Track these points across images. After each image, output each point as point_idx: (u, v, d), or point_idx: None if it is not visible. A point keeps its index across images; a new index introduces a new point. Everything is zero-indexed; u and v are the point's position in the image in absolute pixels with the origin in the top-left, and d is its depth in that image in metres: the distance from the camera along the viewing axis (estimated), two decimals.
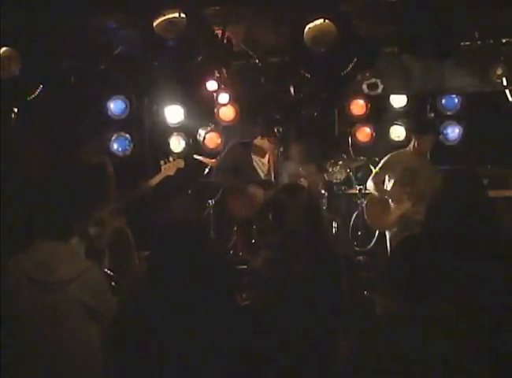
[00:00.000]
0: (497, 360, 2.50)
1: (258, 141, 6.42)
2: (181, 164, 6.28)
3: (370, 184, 6.75)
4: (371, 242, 7.32)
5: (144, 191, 6.16)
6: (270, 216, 3.46)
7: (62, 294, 2.91)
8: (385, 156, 7.05)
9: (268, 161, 6.47)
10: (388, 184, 6.73)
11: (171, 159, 6.26)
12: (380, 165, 6.76)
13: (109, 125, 6.69)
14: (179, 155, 7.49)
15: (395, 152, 6.80)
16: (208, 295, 2.52)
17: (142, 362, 2.45)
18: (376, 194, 6.72)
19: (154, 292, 2.57)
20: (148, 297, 2.58)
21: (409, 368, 2.35)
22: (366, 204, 6.84)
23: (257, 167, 6.42)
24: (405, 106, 7.56)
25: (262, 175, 6.44)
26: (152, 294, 2.58)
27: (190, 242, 2.63)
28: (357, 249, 7.32)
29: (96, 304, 2.97)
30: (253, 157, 6.45)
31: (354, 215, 7.28)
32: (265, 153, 6.44)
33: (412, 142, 6.65)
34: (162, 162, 6.22)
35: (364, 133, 7.66)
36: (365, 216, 6.86)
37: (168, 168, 6.20)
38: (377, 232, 7.01)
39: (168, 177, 6.25)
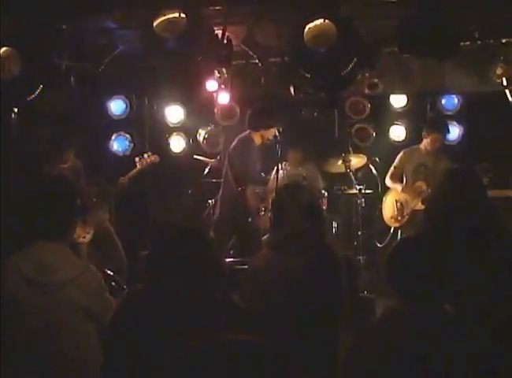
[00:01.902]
0: (498, 359, 2.50)
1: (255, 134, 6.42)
2: (156, 159, 6.59)
3: (388, 181, 6.89)
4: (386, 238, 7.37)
5: (121, 187, 6.40)
6: (272, 215, 3.46)
7: (60, 295, 2.91)
8: (386, 156, 7.08)
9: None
10: (405, 181, 6.84)
11: (145, 155, 6.53)
12: (395, 163, 6.87)
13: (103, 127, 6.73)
14: (178, 155, 7.53)
15: (408, 148, 6.86)
16: (206, 294, 2.52)
17: (139, 362, 2.44)
18: (391, 191, 6.85)
19: (153, 291, 2.56)
20: (147, 296, 2.57)
21: (409, 368, 2.35)
22: (383, 201, 6.95)
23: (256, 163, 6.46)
24: (405, 106, 7.57)
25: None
26: (151, 293, 2.57)
27: (189, 242, 2.62)
28: (378, 245, 7.39)
29: (94, 305, 2.97)
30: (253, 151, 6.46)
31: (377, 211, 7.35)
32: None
33: (424, 140, 6.70)
34: (137, 159, 6.51)
35: (364, 133, 7.68)
36: (382, 213, 6.96)
37: (143, 164, 6.51)
38: (392, 229, 7.07)
39: (142, 172, 6.52)
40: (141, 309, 2.55)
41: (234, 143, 6.48)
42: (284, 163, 6.87)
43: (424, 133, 6.73)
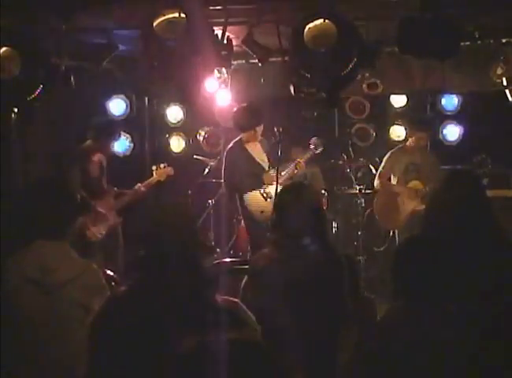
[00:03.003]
0: (499, 359, 2.50)
1: (246, 135, 6.36)
2: (171, 172, 6.61)
3: (377, 183, 6.82)
4: (383, 241, 7.33)
5: (136, 194, 6.41)
6: (273, 216, 3.46)
7: (61, 295, 2.90)
8: (385, 155, 7.06)
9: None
10: (393, 181, 6.78)
11: (162, 166, 6.56)
12: (383, 163, 6.82)
13: (111, 127, 6.74)
14: (178, 155, 7.52)
15: (395, 148, 6.86)
16: (191, 297, 2.48)
17: (124, 366, 2.40)
18: (384, 192, 6.77)
19: (137, 293, 2.52)
20: (131, 299, 2.53)
21: (413, 368, 2.35)
22: (375, 203, 6.87)
23: (259, 161, 6.38)
24: (405, 106, 7.57)
25: (266, 167, 6.35)
26: (135, 295, 2.52)
27: (173, 243, 2.59)
28: (375, 249, 7.35)
29: (96, 304, 2.96)
30: (251, 153, 6.40)
31: (366, 214, 7.31)
32: (258, 146, 6.40)
33: (410, 139, 6.73)
34: (154, 167, 6.55)
35: (364, 133, 7.68)
36: (376, 216, 6.88)
37: (159, 174, 6.51)
38: (391, 232, 7.02)
39: (158, 182, 6.50)
40: (125, 312, 2.50)
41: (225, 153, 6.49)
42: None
43: (409, 132, 6.76)
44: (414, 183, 6.62)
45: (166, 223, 2.66)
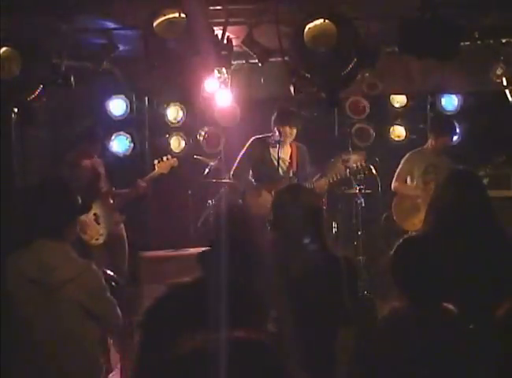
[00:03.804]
0: (501, 360, 2.50)
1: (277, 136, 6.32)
2: (175, 162, 6.49)
3: (395, 185, 6.79)
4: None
5: (139, 190, 6.27)
6: (272, 216, 3.47)
7: (60, 294, 2.91)
8: (386, 156, 7.05)
9: (291, 157, 6.38)
10: (409, 183, 6.76)
11: (164, 158, 6.47)
12: (401, 165, 6.80)
13: (103, 127, 6.74)
14: (178, 155, 7.52)
15: (415, 150, 6.83)
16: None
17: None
18: (402, 194, 6.75)
19: (197, 287, 2.51)
20: (191, 292, 2.52)
21: (414, 368, 2.35)
22: (394, 205, 6.85)
23: (275, 162, 6.34)
24: (405, 106, 7.56)
25: (281, 171, 6.31)
26: (194, 289, 2.52)
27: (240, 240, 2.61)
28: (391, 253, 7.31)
29: (95, 304, 2.97)
30: (271, 152, 6.38)
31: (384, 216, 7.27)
32: (285, 148, 6.33)
33: (429, 141, 6.69)
34: (156, 161, 6.45)
35: (364, 133, 7.67)
36: (394, 217, 6.86)
37: (162, 167, 6.34)
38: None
39: (162, 175, 6.39)
40: (180, 303, 2.50)
41: None
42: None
43: (432, 135, 6.70)
44: (432, 185, 6.59)
45: (232, 222, 2.68)
